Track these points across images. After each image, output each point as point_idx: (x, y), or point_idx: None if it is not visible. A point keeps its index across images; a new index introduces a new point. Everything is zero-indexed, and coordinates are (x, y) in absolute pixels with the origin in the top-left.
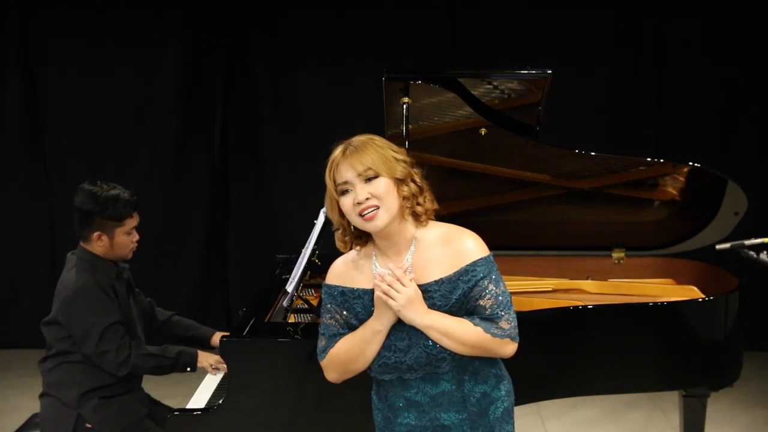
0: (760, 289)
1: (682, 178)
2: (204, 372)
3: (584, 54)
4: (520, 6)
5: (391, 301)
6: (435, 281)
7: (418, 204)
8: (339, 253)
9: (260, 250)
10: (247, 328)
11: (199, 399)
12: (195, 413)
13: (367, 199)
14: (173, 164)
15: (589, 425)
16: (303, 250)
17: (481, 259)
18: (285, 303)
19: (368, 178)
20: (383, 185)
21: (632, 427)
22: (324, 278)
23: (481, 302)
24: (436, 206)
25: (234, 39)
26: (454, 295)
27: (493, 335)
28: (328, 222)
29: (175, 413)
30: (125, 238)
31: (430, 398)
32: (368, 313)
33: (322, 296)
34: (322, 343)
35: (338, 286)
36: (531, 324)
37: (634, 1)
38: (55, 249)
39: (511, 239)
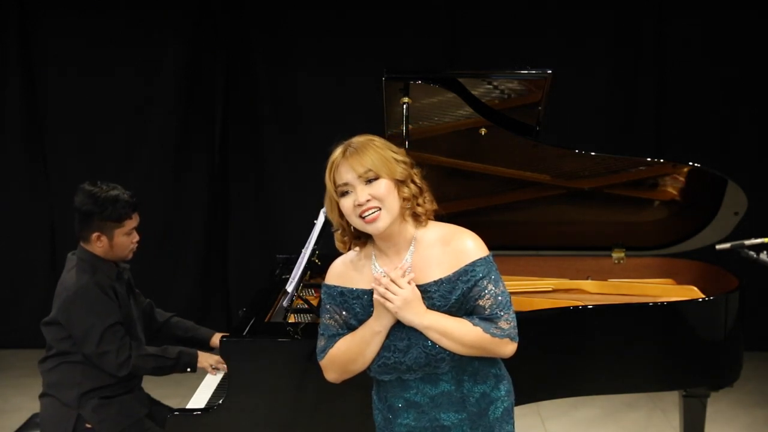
0: (760, 289)
1: (682, 178)
2: (204, 372)
3: (584, 54)
4: (520, 6)
5: (387, 303)
6: (434, 281)
7: (418, 205)
8: (339, 253)
9: (260, 250)
10: (247, 328)
11: (199, 399)
12: (195, 413)
13: (368, 200)
14: (173, 164)
15: (589, 425)
16: (303, 250)
17: (480, 259)
18: (285, 303)
19: (369, 180)
20: (384, 187)
21: (632, 427)
22: (324, 278)
23: (481, 302)
24: (435, 206)
25: (234, 39)
26: (453, 295)
27: (493, 335)
28: (328, 222)
29: (175, 413)
30: (125, 239)
31: (430, 399)
32: (367, 313)
33: (322, 296)
34: (321, 343)
35: (337, 287)
36: (531, 324)
37: (634, 1)
38: (55, 249)
39: (511, 239)
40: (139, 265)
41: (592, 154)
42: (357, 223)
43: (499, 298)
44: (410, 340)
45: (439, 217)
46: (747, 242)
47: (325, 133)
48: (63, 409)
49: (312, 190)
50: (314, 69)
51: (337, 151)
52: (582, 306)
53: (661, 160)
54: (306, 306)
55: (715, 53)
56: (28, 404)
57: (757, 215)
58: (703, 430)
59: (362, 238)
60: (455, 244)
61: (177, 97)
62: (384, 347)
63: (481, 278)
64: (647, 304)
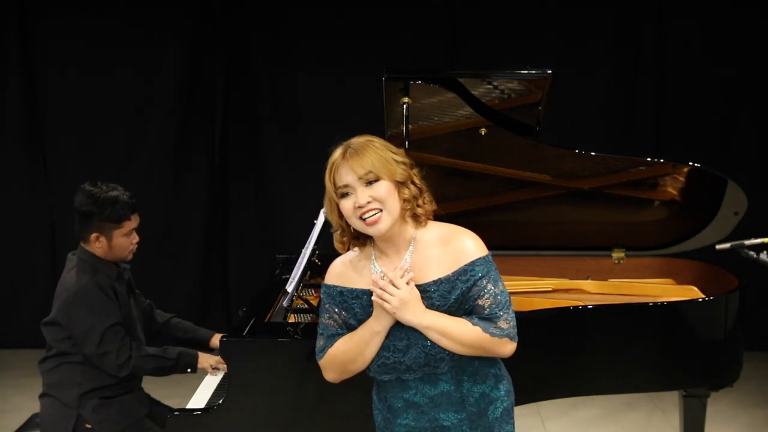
0: (760, 289)
1: (682, 178)
2: (204, 372)
3: (584, 54)
4: (520, 6)
5: (385, 304)
6: (433, 281)
7: (418, 206)
8: (339, 253)
9: (260, 250)
10: (247, 328)
11: (199, 399)
12: (195, 413)
13: (369, 202)
14: (173, 164)
15: (589, 425)
16: (303, 250)
17: (479, 258)
18: (285, 303)
19: (369, 182)
20: (384, 188)
21: (632, 427)
22: (324, 278)
23: (480, 302)
24: (434, 207)
25: (234, 39)
26: (452, 294)
27: (492, 335)
28: (328, 222)
29: (175, 413)
30: (124, 240)
31: (429, 399)
32: (367, 313)
33: (321, 296)
34: (320, 342)
35: (337, 286)
36: (531, 324)
37: (634, 1)
38: (55, 249)
39: (511, 239)
40: (139, 265)
41: (592, 154)
42: (357, 224)
43: (499, 297)
44: (410, 340)
45: (439, 217)
46: (747, 242)
47: (325, 133)
48: (63, 410)
49: (312, 190)
50: (314, 69)
51: (337, 153)
52: (582, 306)
53: (661, 160)
54: (306, 306)
55: (715, 53)
56: (28, 404)
57: (757, 215)
58: (703, 430)
59: (361, 239)
60: (454, 244)
61: (177, 97)
62: (383, 347)
63: (481, 278)
64: (647, 304)
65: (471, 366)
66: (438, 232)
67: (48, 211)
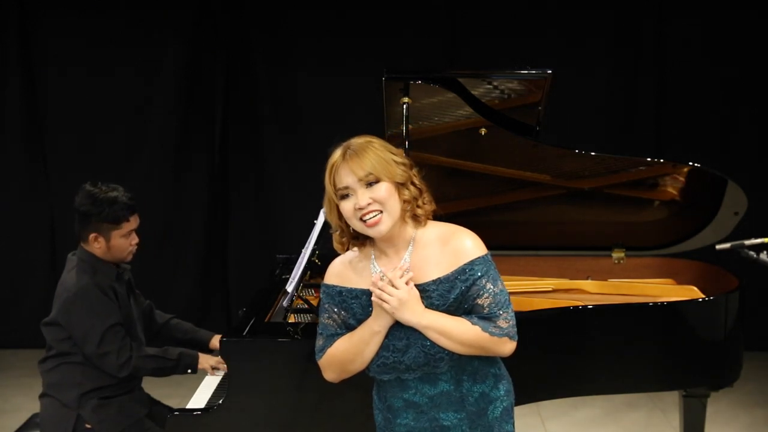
0: (760, 289)
1: (682, 178)
2: (204, 372)
3: (584, 54)
4: (520, 6)
5: (384, 304)
6: (433, 281)
7: (418, 206)
8: (338, 253)
9: (260, 250)
10: (247, 328)
11: (199, 399)
12: (195, 413)
13: (369, 204)
14: (173, 164)
15: (589, 425)
16: (303, 250)
17: (478, 258)
18: (285, 303)
19: (369, 183)
20: (385, 190)
21: (632, 427)
22: (324, 278)
23: (479, 301)
24: (434, 206)
25: (234, 39)
26: (452, 294)
27: (492, 334)
28: (327, 222)
29: (175, 413)
30: (122, 241)
31: (429, 399)
32: (366, 313)
33: (321, 296)
34: (320, 342)
35: (336, 286)
36: (531, 324)
37: (634, 1)
38: (55, 249)
39: (511, 239)
40: (139, 265)
41: (592, 154)
42: (358, 226)
43: (498, 296)
44: (409, 339)
45: (438, 217)
46: (747, 242)
47: (325, 133)
48: (63, 410)
49: (312, 190)
50: (314, 69)
51: (337, 154)
52: (582, 306)
53: (661, 160)
54: (306, 306)
55: (715, 53)
56: (28, 404)
57: (757, 215)
58: (703, 430)
59: (360, 239)
60: (454, 244)
61: (177, 97)
62: (383, 347)
63: (480, 277)
64: (647, 304)
65: (470, 366)
66: (437, 231)
67: (48, 211)
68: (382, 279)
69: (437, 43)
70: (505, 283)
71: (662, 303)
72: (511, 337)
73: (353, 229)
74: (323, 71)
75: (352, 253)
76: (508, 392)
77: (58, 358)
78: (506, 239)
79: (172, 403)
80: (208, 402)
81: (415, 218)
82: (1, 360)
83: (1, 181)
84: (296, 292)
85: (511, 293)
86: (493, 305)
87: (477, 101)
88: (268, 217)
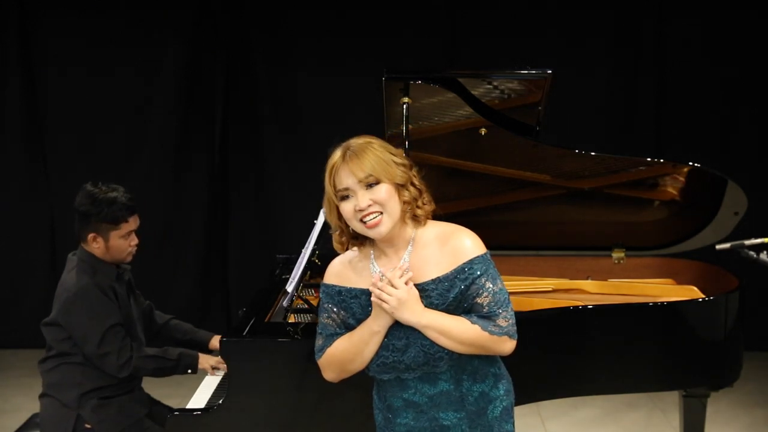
0: (760, 289)
1: (682, 178)
2: (204, 372)
3: (584, 54)
4: (520, 6)
5: (383, 304)
6: (432, 280)
7: (418, 207)
8: (338, 253)
9: (260, 250)
10: (247, 328)
11: (199, 399)
12: (195, 413)
13: (369, 206)
14: (173, 164)
15: (589, 425)
16: (303, 250)
17: (477, 257)
18: (285, 303)
19: (369, 185)
20: (385, 191)
21: (632, 427)
22: (323, 278)
23: (479, 300)
24: (433, 206)
25: (234, 39)
26: (451, 293)
27: (491, 333)
28: (327, 222)
29: (175, 413)
30: (121, 242)
31: (428, 398)
32: (366, 313)
33: (320, 296)
34: (319, 342)
35: (335, 286)
36: (531, 324)
37: (634, 1)
38: (55, 249)
39: (511, 239)
40: (139, 265)
41: (592, 154)
42: (358, 227)
43: (497, 295)
44: (409, 339)
45: (438, 217)
46: (747, 242)
47: (325, 133)
48: (63, 410)
49: (312, 190)
50: (314, 69)
51: (337, 155)
52: (582, 306)
53: (661, 160)
54: (306, 306)
55: (715, 53)
56: (28, 404)
57: (757, 215)
58: (703, 430)
59: (360, 238)
60: (453, 243)
61: (177, 97)
62: (382, 346)
63: (479, 276)
64: (647, 304)
65: (470, 365)
66: (436, 231)
67: (48, 211)
68: (381, 279)
69: (437, 43)
70: (505, 283)
71: (662, 303)
72: (510, 336)
73: (353, 229)
74: (323, 71)
75: (352, 253)
76: (507, 392)
77: (58, 358)
78: (506, 239)
79: (172, 403)
80: (208, 402)
81: (415, 218)
82: (1, 360)
83: (1, 181)
84: (296, 292)
85: (511, 293)
86: (493, 304)
87: (477, 101)
88: (268, 217)
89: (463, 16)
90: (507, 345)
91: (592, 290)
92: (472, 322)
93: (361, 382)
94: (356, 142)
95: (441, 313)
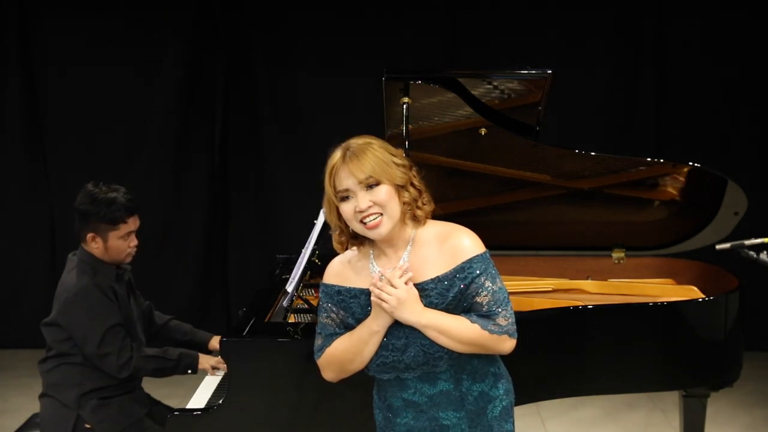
0: (760, 289)
1: (682, 178)
2: (204, 372)
3: (584, 54)
4: (520, 6)
5: (383, 304)
6: (431, 279)
7: (418, 208)
8: (338, 253)
9: (260, 250)
10: (247, 328)
11: (199, 399)
12: (195, 413)
13: (369, 207)
14: (173, 164)
15: (589, 425)
16: (303, 250)
17: (477, 256)
18: (285, 303)
19: (369, 186)
20: (385, 192)
21: (632, 427)
22: (323, 278)
23: (478, 299)
24: (433, 206)
25: (234, 39)
26: (450, 292)
27: (491, 332)
28: (328, 222)
29: (175, 413)
30: (120, 243)
31: (428, 398)
32: (365, 312)
33: (320, 295)
34: (318, 342)
35: (335, 286)
36: (531, 324)
37: (634, 1)
38: (55, 249)
39: (511, 239)
40: (139, 265)
41: (592, 154)
42: (358, 228)
43: (497, 294)
44: (408, 338)
45: (437, 217)
46: (747, 242)
47: (325, 133)
48: (63, 410)
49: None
50: (314, 69)
51: (336, 156)
52: (582, 306)
53: (661, 160)
54: (306, 306)
55: (715, 53)
56: (28, 404)
57: (757, 215)
58: (703, 430)
59: (359, 238)
60: (452, 242)
61: (177, 97)
62: (382, 346)
63: (479, 275)
64: (647, 304)
65: (470, 365)
66: (435, 230)
67: (48, 211)
68: (380, 279)
69: (437, 43)
70: (505, 283)
71: (662, 303)
72: (510, 335)
73: (352, 229)
74: (323, 71)
75: (351, 253)
76: (507, 391)
77: (58, 358)
78: (506, 239)
79: (172, 403)
80: (208, 402)
81: (415, 218)
82: (1, 360)
83: (1, 181)
84: (296, 292)
85: (511, 293)
86: (492, 303)
87: (477, 101)
88: (268, 217)
89: (463, 16)
90: (507, 344)
91: (592, 290)
92: (471, 321)
93: (361, 382)
94: (356, 142)
95: (440, 313)
